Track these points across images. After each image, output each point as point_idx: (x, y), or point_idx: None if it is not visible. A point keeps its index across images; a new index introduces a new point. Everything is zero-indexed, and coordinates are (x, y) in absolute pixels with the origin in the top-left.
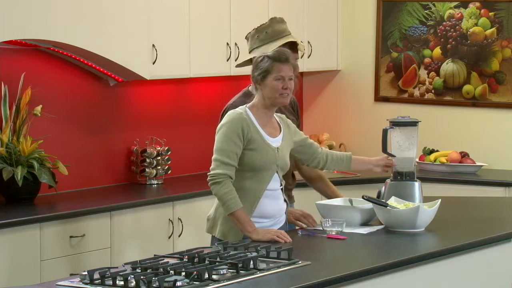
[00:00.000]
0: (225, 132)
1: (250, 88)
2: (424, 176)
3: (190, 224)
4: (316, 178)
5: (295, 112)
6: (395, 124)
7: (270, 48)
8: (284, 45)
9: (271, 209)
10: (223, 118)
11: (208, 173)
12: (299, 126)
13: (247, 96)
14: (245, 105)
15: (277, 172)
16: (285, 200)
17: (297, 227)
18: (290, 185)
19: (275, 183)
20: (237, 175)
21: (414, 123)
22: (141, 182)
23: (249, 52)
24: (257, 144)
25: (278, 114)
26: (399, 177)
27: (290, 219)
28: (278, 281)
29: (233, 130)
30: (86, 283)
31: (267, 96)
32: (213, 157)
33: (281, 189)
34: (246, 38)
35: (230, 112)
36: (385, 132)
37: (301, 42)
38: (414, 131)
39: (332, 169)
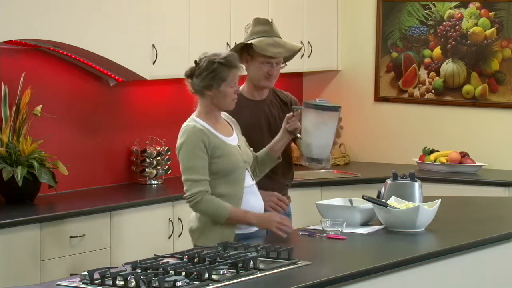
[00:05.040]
0: (187, 150)
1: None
2: (424, 176)
3: None
4: None
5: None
6: (306, 105)
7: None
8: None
9: (255, 204)
10: (179, 137)
11: (184, 196)
12: None
13: None
14: (191, 117)
15: (246, 169)
16: None
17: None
18: (287, 184)
19: (248, 179)
20: (212, 185)
21: (325, 108)
22: (141, 182)
23: None
24: (221, 150)
25: (224, 112)
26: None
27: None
28: (278, 281)
29: (195, 145)
30: (86, 283)
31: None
32: (183, 179)
33: (255, 183)
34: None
35: (184, 129)
36: (292, 110)
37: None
38: (327, 117)
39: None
